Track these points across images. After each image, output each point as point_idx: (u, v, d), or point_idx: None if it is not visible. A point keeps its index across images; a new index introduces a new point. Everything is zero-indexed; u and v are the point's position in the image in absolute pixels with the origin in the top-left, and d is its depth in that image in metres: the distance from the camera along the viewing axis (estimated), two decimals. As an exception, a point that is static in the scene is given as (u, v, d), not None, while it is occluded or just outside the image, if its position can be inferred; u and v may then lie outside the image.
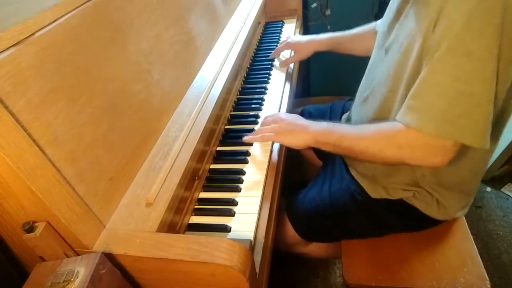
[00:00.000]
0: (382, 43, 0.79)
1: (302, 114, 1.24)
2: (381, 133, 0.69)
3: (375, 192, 0.84)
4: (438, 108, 0.59)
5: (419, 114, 0.61)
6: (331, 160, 1.02)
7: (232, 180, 0.81)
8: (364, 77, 0.90)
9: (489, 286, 0.77)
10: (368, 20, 1.07)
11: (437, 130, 0.60)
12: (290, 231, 0.94)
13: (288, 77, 1.16)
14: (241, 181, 0.80)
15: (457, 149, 0.63)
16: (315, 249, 1.04)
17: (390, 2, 0.82)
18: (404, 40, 0.67)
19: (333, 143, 0.74)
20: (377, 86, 0.79)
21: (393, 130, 0.67)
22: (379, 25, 1.00)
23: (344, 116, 1.09)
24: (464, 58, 0.55)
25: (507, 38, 0.54)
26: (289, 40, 1.18)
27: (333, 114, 1.15)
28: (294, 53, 1.19)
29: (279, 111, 1.02)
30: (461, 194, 0.82)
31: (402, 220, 0.86)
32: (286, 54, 1.24)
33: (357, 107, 0.90)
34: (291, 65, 1.22)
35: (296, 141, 0.78)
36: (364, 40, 1.06)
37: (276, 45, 1.29)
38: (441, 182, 0.78)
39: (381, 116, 0.77)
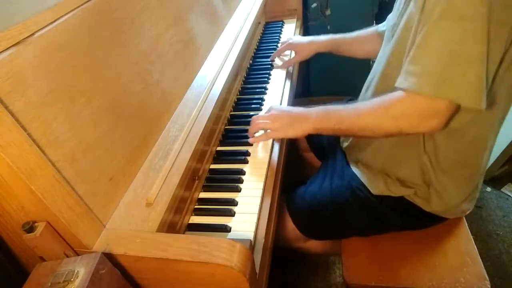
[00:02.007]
0: (391, 35, 0.80)
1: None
2: (376, 108, 0.71)
3: (376, 188, 0.84)
4: (436, 70, 0.62)
5: (418, 77, 0.64)
6: (332, 156, 1.02)
7: (232, 180, 0.81)
8: (370, 73, 0.91)
9: (489, 286, 0.77)
10: (368, 20, 1.08)
11: (435, 91, 0.63)
12: (290, 226, 0.94)
13: (288, 77, 1.16)
14: (241, 181, 0.80)
15: (451, 112, 0.65)
16: (315, 244, 1.04)
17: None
18: (404, 21, 0.70)
19: (332, 128, 0.76)
20: (380, 70, 0.80)
21: (387, 101, 0.69)
22: (390, 19, 1.00)
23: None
24: (457, 21, 0.59)
25: (496, 1, 0.57)
26: (290, 41, 1.18)
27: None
28: (295, 53, 1.19)
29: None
30: (462, 180, 0.81)
31: (403, 218, 0.86)
32: (286, 54, 1.24)
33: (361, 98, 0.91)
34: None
35: (298, 132, 0.80)
36: (364, 43, 1.07)
37: (276, 45, 1.29)
38: (443, 166, 0.78)
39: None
